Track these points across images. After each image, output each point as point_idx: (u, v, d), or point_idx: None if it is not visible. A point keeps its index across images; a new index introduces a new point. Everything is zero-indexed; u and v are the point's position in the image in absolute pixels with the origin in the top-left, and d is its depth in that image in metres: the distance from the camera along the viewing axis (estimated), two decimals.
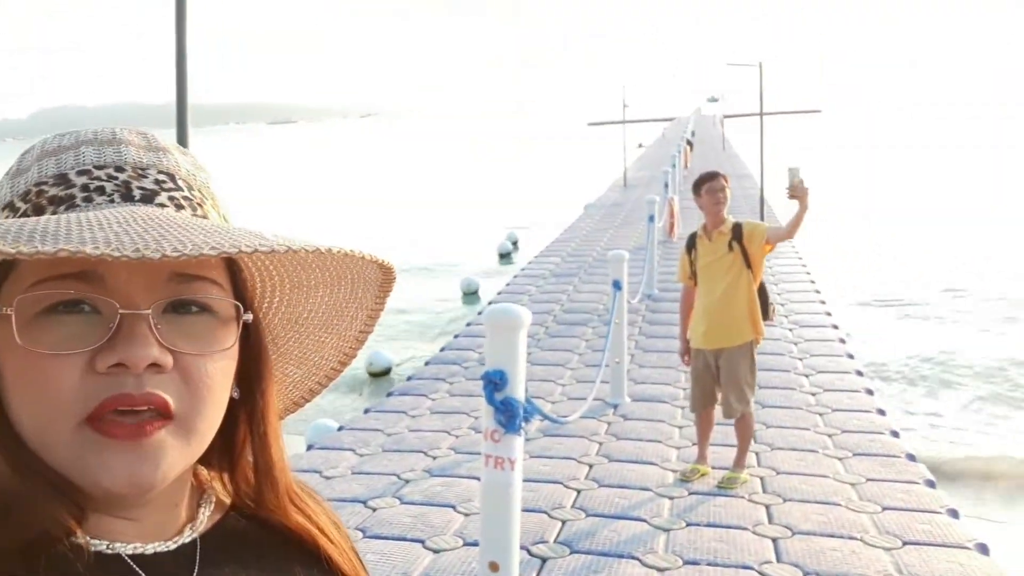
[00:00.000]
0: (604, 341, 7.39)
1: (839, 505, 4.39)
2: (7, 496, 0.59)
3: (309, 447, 5.74)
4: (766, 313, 4.60)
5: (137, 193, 0.64)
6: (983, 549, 3.88)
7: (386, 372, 9.57)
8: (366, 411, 6.36)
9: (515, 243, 18.30)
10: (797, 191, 4.45)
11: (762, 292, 4.62)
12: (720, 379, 4.59)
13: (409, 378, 7.18)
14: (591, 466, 5.02)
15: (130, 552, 0.62)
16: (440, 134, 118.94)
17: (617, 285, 6.15)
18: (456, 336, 8.59)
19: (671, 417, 5.87)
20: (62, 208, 0.62)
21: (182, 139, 4.01)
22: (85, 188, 0.63)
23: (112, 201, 0.63)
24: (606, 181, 25.98)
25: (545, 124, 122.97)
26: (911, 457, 5.07)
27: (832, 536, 4.03)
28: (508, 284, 11.28)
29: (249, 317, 0.67)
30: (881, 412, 5.89)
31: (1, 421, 0.60)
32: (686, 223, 13.98)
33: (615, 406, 6.09)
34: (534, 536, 4.05)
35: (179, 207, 0.64)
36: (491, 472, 2.86)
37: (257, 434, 0.71)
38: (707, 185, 4.59)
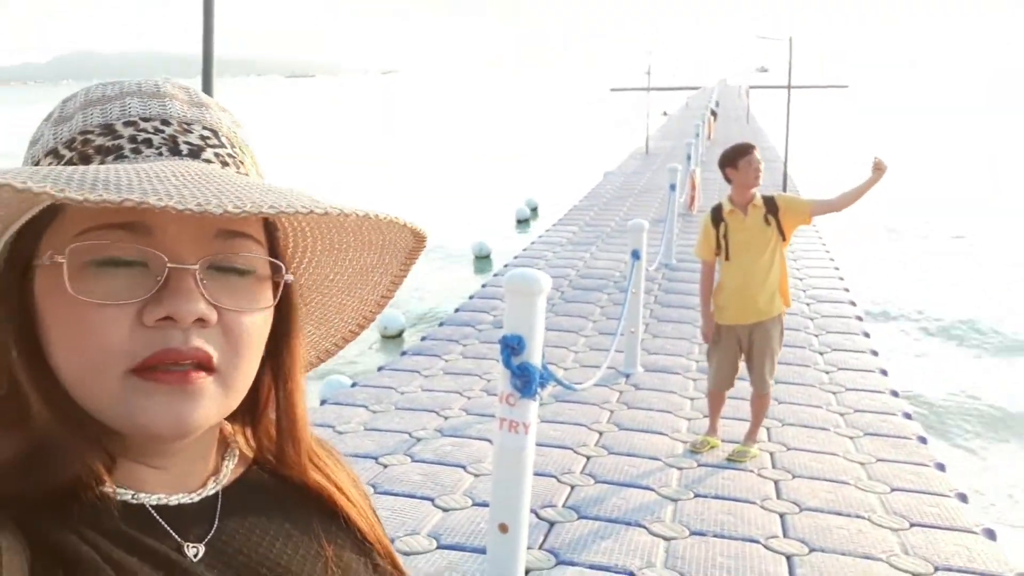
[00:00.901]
0: (619, 309, 7.39)
1: (848, 484, 4.39)
2: (35, 446, 0.60)
3: (323, 402, 5.79)
4: None
5: (184, 148, 0.64)
6: (990, 534, 3.88)
7: (399, 334, 9.61)
8: (380, 369, 6.40)
9: (534, 209, 18.19)
10: (880, 165, 4.34)
11: None
12: (752, 354, 4.55)
13: (423, 338, 7.21)
14: (601, 433, 5.04)
15: (154, 503, 0.64)
16: (462, 93, 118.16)
17: (636, 255, 6.13)
18: (471, 297, 8.60)
19: (683, 388, 5.87)
20: (110, 158, 0.62)
21: (207, 90, 4.00)
22: (133, 139, 0.63)
23: (160, 154, 0.63)
24: (627, 149, 25.79)
25: (568, 88, 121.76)
26: (922, 439, 5.07)
27: (839, 514, 4.05)
28: (525, 249, 11.26)
29: (290, 278, 0.68)
30: (894, 393, 5.88)
31: (42, 367, 0.61)
32: (706, 195, 13.88)
33: (627, 375, 6.10)
34: (543, 500, 4.09)
35: (224, 164, 0.65)
36: (505, 435, 2.87)
37: (283, 391, 0.72)
38: (746, 158, 4.45)
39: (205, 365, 0.60)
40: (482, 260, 13.66)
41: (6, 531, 0.55)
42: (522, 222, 17.45)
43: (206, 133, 0.65)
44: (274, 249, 0.68)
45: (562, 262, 9.99)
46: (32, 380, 0.61)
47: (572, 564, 3.54)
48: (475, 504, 4.06)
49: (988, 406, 7.68)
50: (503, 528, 2.89)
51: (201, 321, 0.59)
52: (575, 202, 15.54)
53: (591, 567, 3.53)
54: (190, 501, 0.66)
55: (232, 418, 0.72)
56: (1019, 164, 25.78)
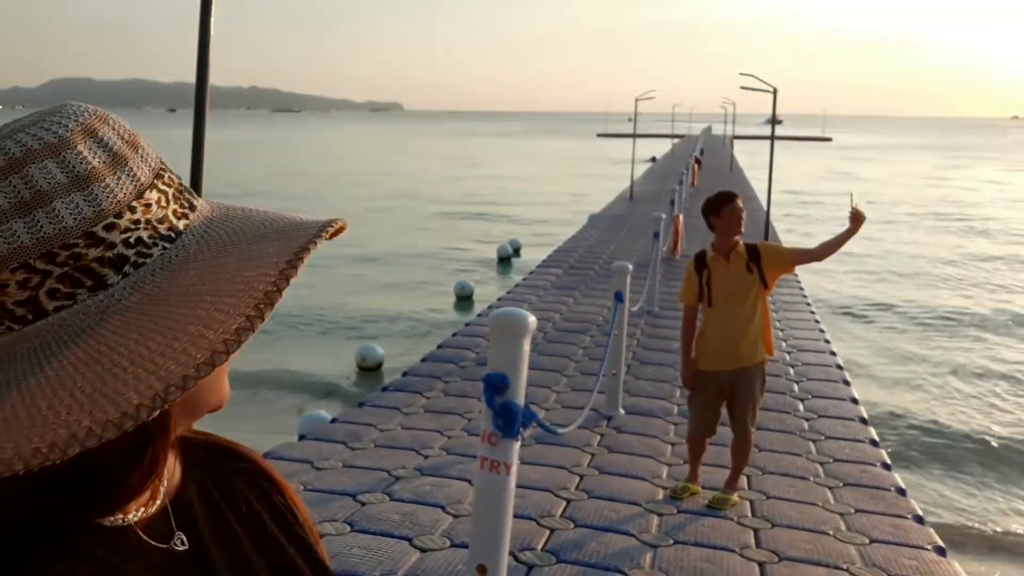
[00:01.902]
0: (601, 351, 7.39)
1: (827, 534, 4.38)
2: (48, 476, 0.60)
3: (301, 437, 5.73)
4: None
5: (179, 224, 0.64)
6: None
7: (377, 367, 9.57)
8: (360, 404, 6.35)
9: (517, 249, 18.27)
10: (858, 215, 4.41)
11: None
12: (734, 400, 4.56)
13: (404, 374, 7.18)
14: (582, 476, 5.01)
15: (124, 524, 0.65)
16: (449, 132, 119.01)
17: (619, 296, 6.15)
18: (454, 335, 8.58)
19: (664, 433, 5.86)
20: (130, 267, 0.60)
21: (199, 124, 4.01)
22: (127, 243, 0.60)
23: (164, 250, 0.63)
24: (612, 193, 26.01)
25: (556, 135, 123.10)
26: (901, 491, 5.07)
27: (819, 564, 4.03)
28: (509, 292, 11.27)
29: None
30: (874, 443, 5.89)
31: None
32: (690, 241, 13.99)
33: (609, 417, 6.09)
34: (521, 542, 4.04)
35: (191, 207, 0.66)
36: (486, 475, 2.85)
37: None
38: (729, 206, 4.50)
39: None
40: (464, 300, 13.65)
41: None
42: (503, 260, 17.51)
43: (162, 186, 0.63)
44: None
45: (546, 305, 10.00)
46: None
47: None
48: (453, 545, 4.01)
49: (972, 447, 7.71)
50: (481, 570, 2.85)
51: None
52: (560, 242, 15.61)
53: None
54: (147, 514, 0.67)
55: None
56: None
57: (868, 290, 15.23)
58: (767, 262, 4.50)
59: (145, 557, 0.64)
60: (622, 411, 6.21)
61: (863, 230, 4.50)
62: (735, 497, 4.70)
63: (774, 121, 14.06)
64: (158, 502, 0.69)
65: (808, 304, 10.71)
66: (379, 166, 48.68)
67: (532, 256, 16.13)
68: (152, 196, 0.61)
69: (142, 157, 0.62)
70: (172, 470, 0.72)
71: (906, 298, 14.53)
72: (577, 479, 4.97)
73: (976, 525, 6.41)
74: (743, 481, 4.92)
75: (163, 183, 0.63)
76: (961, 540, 6.02)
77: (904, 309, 13.77)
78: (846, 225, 4.46)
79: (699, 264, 4.62)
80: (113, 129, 0.61)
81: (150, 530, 0.66)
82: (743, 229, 4.55)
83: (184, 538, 0.69)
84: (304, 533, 0.80)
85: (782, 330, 8.98)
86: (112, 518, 0.64)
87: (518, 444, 2.88)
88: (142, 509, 0.67)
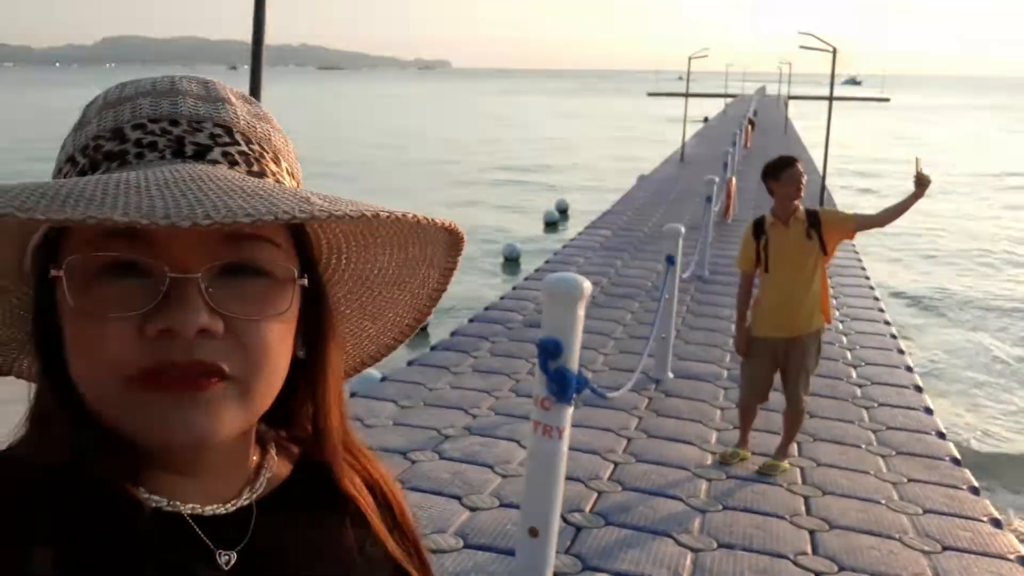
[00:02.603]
0: (650, 316, 7.35)
1: (879, 503, 4.34)
2: (67, 450, 0.60)
3: (352, 394, 5.82)
4: None
5: (189, 149, 0.62)
6: None
7: (423, 328, 9.62)
8: (409, 363, 6.42)
9: (563, 211, 18.14)
10: (923, 179, 4.31)
11: None
12: (788, 368, 4.51)
13: (453, 334, 7.22)
14: (630, 440, 5.02)
15: (188, 512, 0.63)
16: (496, 90, 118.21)
17: (671, 260, 6.09)
18: (502, 297, 8.60)
19: (713, 397, 5.83)
20: (115, 164, 0.61)
21: (255, 80, 4.03)
22: (138, 143, 0.62)
23: (163, 158, 0.61)
24: (662, 154, 25.67)
25: (606, 94, 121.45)
26: (956, 461, 4.99)
27: (870, 534, 3.99)
28: (556, 253, 11.24)
29: (305, 281, 0.64)
30: (928, 411, 5.80)
31: (62, 379, 0.61)
32: (742, 205, 13.77)
33: (657, 381, 6.07)
34: (570, 504, 4.07)
35: (233, 163, 0.62)
36: (539, 439, 2.87)
37: (319, 394, 0.70)
38: (789, 171, 4.41)
39: (214, 372, 0.58)
40: (511, 263, 13.64)
41: (34, 527, 0.56)
42: (550, 224, 17.41)
43: (217, 131, 0.63)
44: (301, 247, 0.66)
45: (594, 268, 9.95)
46: (49, 390, 0.61)
47: (599, 571, 3.53)
48: (502, 505, 4.06)
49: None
50: (533, 532, 2.89)
51: (207, 332, 0.57)
52: (607, 206, 15.49)
53: (617, 575, 3.51)
54: (224, 511, 0.65)
55: (265, 418, 0.69)
56: None
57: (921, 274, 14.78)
58: (827, 228, 4.41)
59: (180, 558, 0.61)
60: (671, 375, 6.18)
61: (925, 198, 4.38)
62: (785, 464, 4.67)
63: (833, 82, 13.68)
64: (239, 503, 0.67)
65: (863, 269, 10.51)
66: (424, 126, 48.63)
67: (579, 219, 16.02)
68: None
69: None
70: (249, 468, 0.70)
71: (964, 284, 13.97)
72: (625, 442, 4.98)
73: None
74: (793, 448, 4.88)
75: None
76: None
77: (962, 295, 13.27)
78: (910, 190, 4.34)
79: (757, 230, 4.55)
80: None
81: (210, 529, 0.63)
82: (803, 194, 4.47)
83: (233, 558, 0.64)
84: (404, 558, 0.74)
85: (836, 297, 8.82)
86: (156, 498, 0.61)
87: (571, 409, 2.89)
88: (211, 505, 0.65)
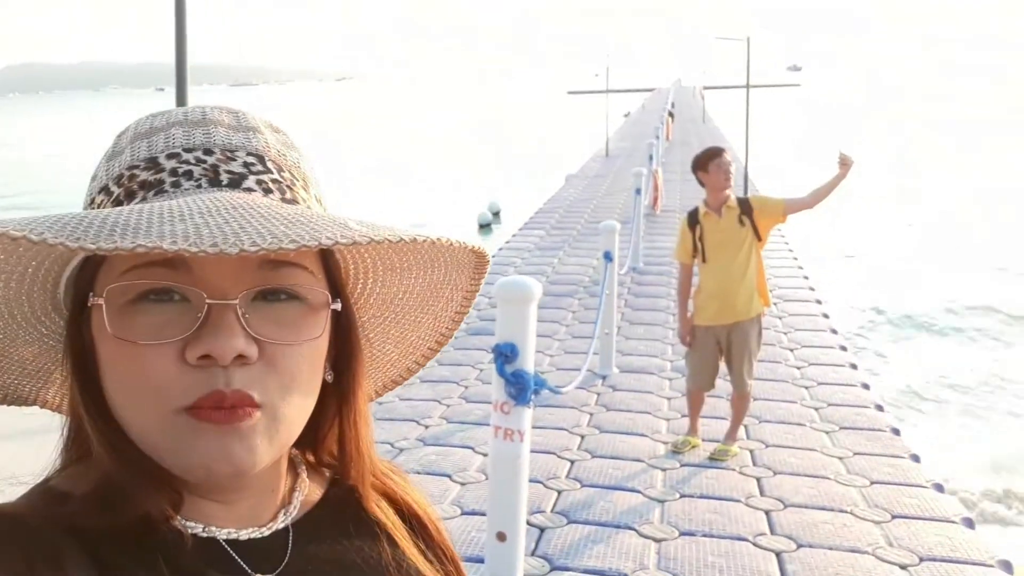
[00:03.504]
0: (590, 313, 7.43)
1: (828, 479, 4.47)
2: (108, 481, 0.60)
3: None
4: None
5: (225, 177, 0.63)
6: (969, 523, 3.98)
7: None
8: None
9: (496, 213, 18.21)
10: (846, 160, 4.43)
11: None
12: (731, 354, 4.62)
13: None
14: (583, 437, 5.06)
15: (224, 537, 0.63)
16: (420, 99, 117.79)
17: (608, 256, 6.17)
18: None
19: (659, 389, 5.92)
20: (151, 194, 0.62)
21: (181, 101, 3.95)
22: (174, 172, 0.62)
23: (199, 186, 0.62)
24: (587, 151, 25.94)
25: (525, 92, 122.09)
26: (895, 431, 5.17)
27: (823, 509, 4.11)
28: (494, 256, 11.26)
29: (338, 306, 0.66)
30: (865, 386, 5.99)
31: (99, 408, 0.61)
32: (669, 196, 14.02)
33: (604, 377, 6.13)
34: (532, 506, 4.08)
35: (267, 191, 0.63)
36: (500, 444, 2.88)
37: (346, 419, 0.71)
38: (716, 161, 4.53)
39: (249, 402, 0.59)
40: None
41: (77, 556, 0.56)
42: (484, 226, 17.45)
43: (250, 160, 0.64)
44: (330, 274, 0.67)
45: (532, 268, 10.01)
46: (89, 420, 0.61)
47: (566, 569, 3.55)
48: (464, 513, 4.05)
49: (951, 388, 7.88)
50: (501, 536, 2.89)
51: (242, 357, 0.58)
52: (539, 205, 15.58)
53: (585, 572, 3.54)
54: (260, 535, 0.65)
55: (296, 443, 0.70)
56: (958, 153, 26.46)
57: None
58: (759, 214, 4.53)
59: None
60: (616, 370, 6.25)
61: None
62: (735, 448, 4.78)
63: (748, 70, 14.03)
64: (275, 526, 0.67)
65: (791, 251, 10.80)
66: (339, 137, 48.15)
67: (511, 220, 16.09)
68: None
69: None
70: (283, 491, 0.70)
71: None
72: (578, 439, 5.02)
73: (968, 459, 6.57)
74: (741, 431, 4.99)
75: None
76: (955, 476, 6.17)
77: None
78: (835, 171, 4.49)
79: (692, 221, 4.66)
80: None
81: (248, 554, 0.64)
82: (731, 183, 4.57)
83: None
84: None
85: (768, 279, 9.03)
86: (192, 524, 0.62)
87: (530, 411, 2.91)
88: (247, 529, 0.65)
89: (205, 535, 0.62)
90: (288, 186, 0.65)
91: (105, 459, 0.60)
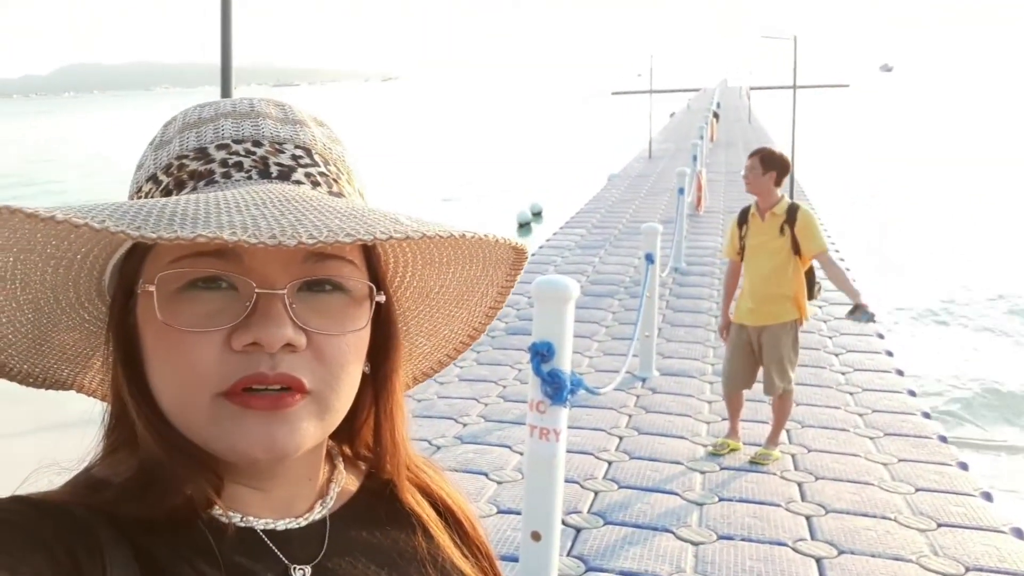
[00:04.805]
0: (631, 314, 7.38)
1: (871, 484, 4.38)
2: (148, 467, 0.61)
3: None
4: (811, 293, 4.58)
5: (274, 170, 0.63)
6: (1019, 533, 3.87)
7: None
8: None
9: (537, 213, 18.17)
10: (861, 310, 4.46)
11: (809, 271, 4.59)
12: (762, 356, 4.58)
13: None
14: (621, 438, 5.03)
15: (261, 527, 0.64)
16: (463, 100, 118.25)
17: (650, 258, 6.12)
18: None
19: (700, 392, 5.86)
20: (202, 183, 0.62)
21: (226, 96, 4.00)
22: (224, 163, 0.63)
23: (250, 178, 0.62)
24: (630, 152, 25.79)
25: (569, 91, 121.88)
26: (942, 438, 5.05)
27: (866, 515, 4.03)
28: (534, 254, 11.25)
29: (382, 298, 0.66)
30: (912, 393, 5.87)
31: (143, 394, 0.61)
32: (713, 196, 13.89)
33: (644, 379, 6.09)
34: (568, 506, 4.07)
35: (315, 184, 0.64)
36: (536, 443, 2.87)
37: (383, 410, 0.71)
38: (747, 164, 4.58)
39: (296, 388, 0.59)
40: None
41: (117, 544, 0.56)
42: (523, 225, 17.42)
43: (298, 152, 0.65)
44: (372, 266, 0.67)
45: (572, 267, 9.98)
46: (134, 405, 0.62)
47: (601, 571, 3.53)
48: (500, 511, 4.06)
49: (1005, 398, 7.66)
50: (536, 536, 2.88)
51: (289, 346, 0.59)
52: (581, 205, 15.54)
53: (621, 574, 3.52)
54: (297, 526, 0.66)
55: (332, 435, 0.71)
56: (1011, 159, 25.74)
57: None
58: (800, 230, 4.46)
59: (256, 574, 0.61)
60: (656, 372, 6.21)
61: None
62: (776, 452, 4.71)
63: (795, 70, 13.82)
64: (312, 517, 0.67)
65: (842, 260, 10.61)
66: (384, 137, 48.54)
67: (553, 220, 16.06)
68: None
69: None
70: (320, 482, 0.70)
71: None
72: (617, 440, 4.99)
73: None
74: (783, 436, 4.92)
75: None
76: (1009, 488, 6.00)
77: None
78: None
79: (741, 219, 4.73)
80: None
81: (284, 544, 0.64)
82: (757, 186, 4.56)
83: (307, 572, 0.64)
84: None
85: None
86: (232, 514, 0.62)
87: (566, 411, 2.90)
88: (284, 519, 0.65)
89: (243, 525, 0.63)
90: (334, 179, 0.66)
91: (149, 441, 0.61)
